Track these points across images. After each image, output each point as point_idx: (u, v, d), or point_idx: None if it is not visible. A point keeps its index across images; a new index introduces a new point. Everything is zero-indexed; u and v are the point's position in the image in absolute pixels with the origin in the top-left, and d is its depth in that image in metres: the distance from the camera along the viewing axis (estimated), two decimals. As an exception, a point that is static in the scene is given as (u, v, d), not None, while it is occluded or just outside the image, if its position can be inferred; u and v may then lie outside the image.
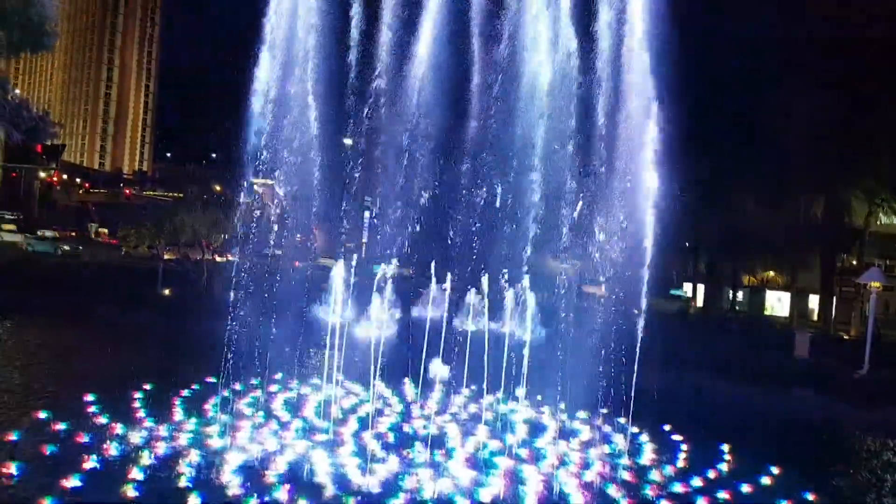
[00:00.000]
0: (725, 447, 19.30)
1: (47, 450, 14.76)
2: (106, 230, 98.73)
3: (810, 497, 16.10)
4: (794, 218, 60.59)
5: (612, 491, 15.59)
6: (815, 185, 58.90)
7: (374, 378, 17.52)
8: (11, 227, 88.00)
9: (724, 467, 18.09)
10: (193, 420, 17.88)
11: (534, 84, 24.33)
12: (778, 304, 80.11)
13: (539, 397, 21.63)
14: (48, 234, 78.47)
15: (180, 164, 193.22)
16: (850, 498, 17.23)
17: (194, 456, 15.24)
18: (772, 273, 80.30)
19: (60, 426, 16.17)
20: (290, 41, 24.19)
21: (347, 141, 31.92)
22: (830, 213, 61.31)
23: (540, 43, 24.22)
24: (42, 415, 16.86)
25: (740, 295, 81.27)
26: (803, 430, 23.07)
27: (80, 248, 72.38)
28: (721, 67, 52.34)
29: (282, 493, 13.55)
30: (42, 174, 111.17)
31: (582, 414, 21.17)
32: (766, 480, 17.12)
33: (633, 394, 18.31)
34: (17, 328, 32.52)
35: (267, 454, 15.73)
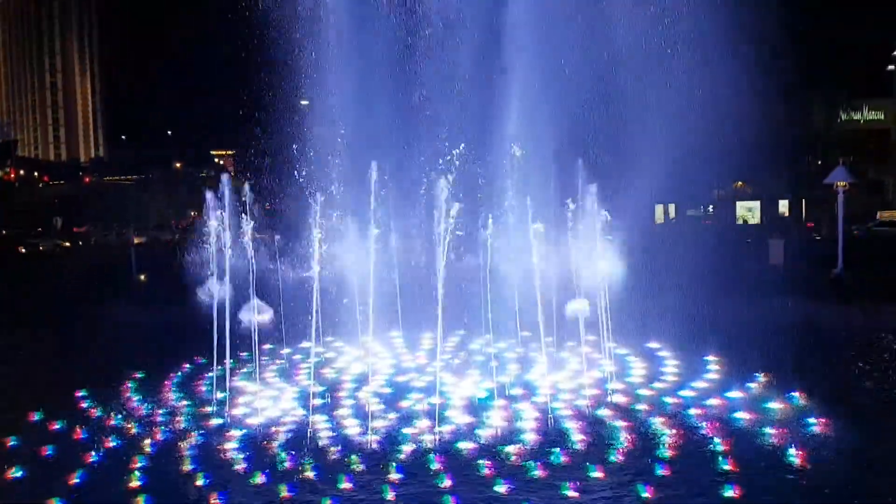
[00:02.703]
0: (710, 357, 19.87)
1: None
2: None
3: (797, 395, 16.60)
4: (758, 125, 60.96)
5: (606, 412, 16.02)
6: (775, 91, 59.23)
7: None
8: None
9: (710, 377, 18.62)
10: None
11: None
12: (748, 213, 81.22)
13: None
14: None
15: (137, 145, 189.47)
16: (836, 391, 17.67)
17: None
18: (740, 183, 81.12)
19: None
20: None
21: (304, 102, 31.46)
22: (792, 117, 61.83)
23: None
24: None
25: (711, 208, 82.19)
26: (785, 334, 23.48)
27: None
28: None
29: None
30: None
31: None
32: (753, 386, 17.63)
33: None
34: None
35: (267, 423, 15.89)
